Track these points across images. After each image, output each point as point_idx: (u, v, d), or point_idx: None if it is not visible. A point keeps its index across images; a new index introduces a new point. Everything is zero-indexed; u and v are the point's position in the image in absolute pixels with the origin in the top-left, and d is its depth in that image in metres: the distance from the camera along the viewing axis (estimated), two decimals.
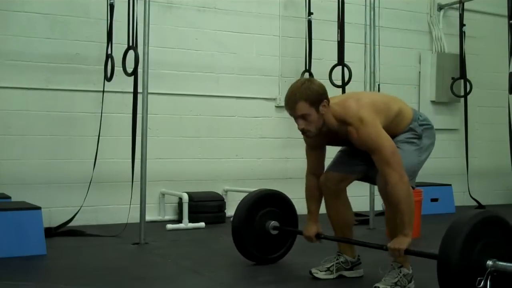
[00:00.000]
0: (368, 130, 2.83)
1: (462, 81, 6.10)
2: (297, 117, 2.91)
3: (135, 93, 4.46)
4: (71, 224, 4.66)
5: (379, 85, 5.11)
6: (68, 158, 4.96)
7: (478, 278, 2.40)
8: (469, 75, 6.07)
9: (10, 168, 4.76)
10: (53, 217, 4.69)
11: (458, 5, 6.18)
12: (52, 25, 4.93)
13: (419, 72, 6.58)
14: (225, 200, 5.35)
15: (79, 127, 4.99)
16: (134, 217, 4.47)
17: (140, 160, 4.22)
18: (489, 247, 2.47)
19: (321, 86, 2.94)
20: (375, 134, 2.84)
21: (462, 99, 6.30)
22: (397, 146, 2.92)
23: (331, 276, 3.20)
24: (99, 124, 4.72)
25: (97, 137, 4.69)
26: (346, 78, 5.33)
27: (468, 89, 6.06)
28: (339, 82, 5.36)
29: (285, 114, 5.81)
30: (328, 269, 3.22)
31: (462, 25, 6.03)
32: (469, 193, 6.37)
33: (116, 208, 5.01)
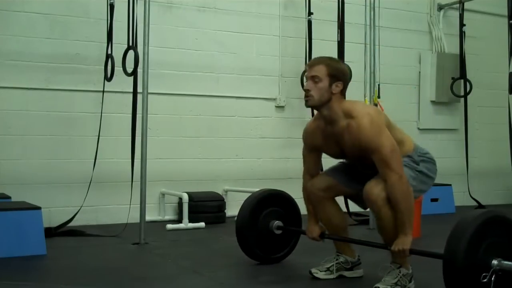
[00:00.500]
0: (371, 125, 2.81)
1: (462, 81, 6.10)
2: (309, 77, 2.95)
3: (135, 93, 4.47)
4: (71, 224, 4.66)
5: (379, 85, 5.10)
6: (68, 158, 4.96)
7: (483, 274, 2.43)
8: (469, 75, 6.07)
9: (10, 168, 4.76)
10: (53, 217, 4.69)
11: (458, 5, 6.19)
12: (52, 25, 4.93)
13: (419, 72, 6.58)
14: (225, 200, 5.35)
15: (79, 127, 4.99)
16: (134, 217, 4.47)
17: (140, 160, 4.22)
18: (494, 246, 2.49)
19: (346, 70, 3.03)
20: (377, 131, 2.81)
21: (462, 99, 6.31)
22: None
23: (331, 276, 3.20)
24: (99, 124, 4.72)
25: (97, 137, 4.69)
26: None
27: (468, 89, 6.06)
28: None
29: (285, 114, 5.92)
30: (328, 269, 3.21)
31: (462, 25, 6.04)
32: (469, 193, 6.37)
33: (116, 208, 5.01)
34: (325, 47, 5.73)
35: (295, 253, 3.66)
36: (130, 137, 4.43)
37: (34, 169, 4.84)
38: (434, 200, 5.91)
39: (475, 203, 6.41)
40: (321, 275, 3.20)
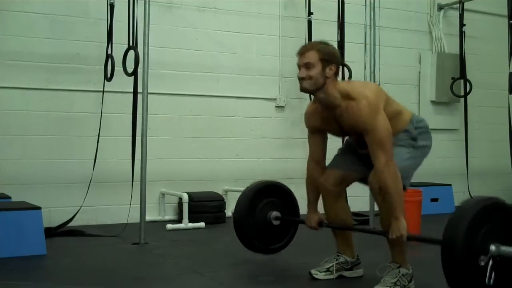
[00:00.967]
0: (369, 108, 2.84)
1: (462, 81, 6.10)
2: (302, 65, 2.99)
3: (135, 93, 4.46)
4: (71, 224, 4.66)
5: (379, 85, 5.09)
6: (68, 158, 4.96)
7: (481, 256, 2.43)
8: (469, 75, 6.07)
9: (10, 168, 4.76)
10: (53, 217, 4.69)
11: (458, 5, 6.18)
12: (52, 25, 4.92)
13: (419, 72, 6.58)
14: (225, 200, 5.35)
15: (79, 127, 4.99)
16: (134, 217, 4.47)
17: (140, 160, 4.22)
18: (493, 232, 2.50)
19: (337, 51, 3.04)
20: (375, 113, 2.85)
21: (462, 99, 6.30)
22: None
23: (331, 277, 3.20)
24: (99, 124, 4.72)
25: (97, 137, 4.69)
26: (346, 78, 5.33)
27: (468, 89, 6.06)
28: None
29: (285, 114, 5.93)
30: (328, 269, 3.21)
31: (462, 25, 6.03)
32: (469, 193, 6.36)
33: (116, 208, 5.01)
34: None
35: (293, 253, 3.67)
36: (130, 137, 4.43)
37: (34, 169, 4.84)
38: (434, 200, 5.92)
39: None
40: (321, 276, 3.20)
